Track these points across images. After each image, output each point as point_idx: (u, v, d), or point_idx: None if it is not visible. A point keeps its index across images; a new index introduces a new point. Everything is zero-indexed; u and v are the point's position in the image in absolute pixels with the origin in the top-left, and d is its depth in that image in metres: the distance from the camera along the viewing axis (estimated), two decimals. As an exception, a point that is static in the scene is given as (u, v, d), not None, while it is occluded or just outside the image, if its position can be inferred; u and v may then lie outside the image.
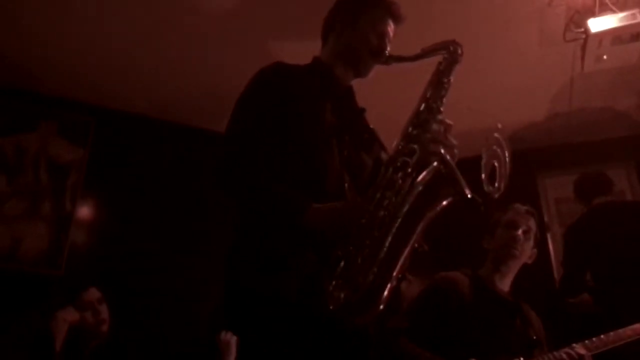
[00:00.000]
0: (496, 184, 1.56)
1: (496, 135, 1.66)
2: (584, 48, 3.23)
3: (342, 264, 1.38)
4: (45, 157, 3.94)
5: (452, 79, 1.63)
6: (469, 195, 1.40)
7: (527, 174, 4.82)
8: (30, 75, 3.90)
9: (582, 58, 3.30)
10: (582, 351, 2.30)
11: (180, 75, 3.86)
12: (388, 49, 1.76)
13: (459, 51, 1.66)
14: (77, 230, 3.91)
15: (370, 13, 1.79)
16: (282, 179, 1.51)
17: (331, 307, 1.34)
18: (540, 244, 4.54)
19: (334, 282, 1.37)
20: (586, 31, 3.12)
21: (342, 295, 1.35)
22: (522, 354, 2.28)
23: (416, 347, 2.30)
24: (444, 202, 1.44)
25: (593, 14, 3.15)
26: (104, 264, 3.71)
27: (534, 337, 2.37)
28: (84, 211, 4.00)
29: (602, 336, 2.37)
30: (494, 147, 1.62)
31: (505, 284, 2.51)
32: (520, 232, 2.48)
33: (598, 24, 3.09)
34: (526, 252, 2.52)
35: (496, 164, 1.59)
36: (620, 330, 2.39)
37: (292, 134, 1.58)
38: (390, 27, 1.79)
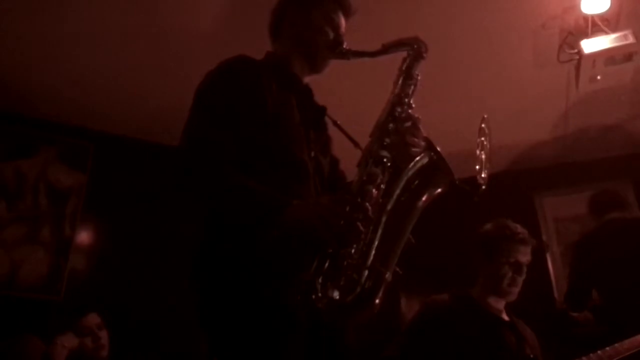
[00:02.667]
0: (483, 175, 1.56)
1: (482, 125, 1.65)
2: (578, 69, 3.28)
3: (328, 262, 1.29)
4: (44, 182, 3.95)
5: (418, 74, 1.62)
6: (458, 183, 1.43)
7: (525, 194, 4.85)
8: (30, 101, 3.92)
9: (577, 78, 3.35)
10: None
11: (181, 99, 3.88)
12: (345, 43, 1.72)
13: (423, 48, 1.63)
14: (76, 255, 3.90)
15: (322, 5, 1.74)
16: (256, 174, 1.41)
17: (321, 307, 1.25)
18: (539, 264, 4.59)
19: (321, 281, 1.28)
20: (579, 52, 3.17)
21: (336, 295, 1.27)
22: None
23: None
24: (435, 192, 1.45)
25: (586, 35, 3.20)
26: (104, 289, 3.69)
27: (531, 356, 2.34)
28: (84, 236, 4.00)
29: (599, 351, 2.38)
30: (482, 138, 1.62)
31: (499, 303, 2.47)
32: (524, 276, 2.44)
33: (591, 45, 3.13)
34: None
35: (483, 155, 1.59)
36: (618, 344, 2.40)
37: (264, 127, 1.50)
38: (342, 21, 1.76)
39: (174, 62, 3.56)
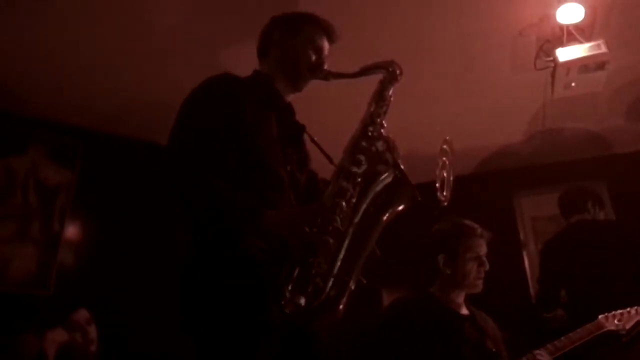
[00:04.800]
0: (444, 193, 1.66)
1: (444, 147, 1.75)
2: (553, 76, 3.39)
3: (298, 270, 1.40)
4: (34, 180, 4.00)
5: (392, 95, 1.73)
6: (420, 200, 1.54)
7: (504, 193, 4.99)
8: (18, 98, 3.95)
9: (552, 85, 3.46)
10: (546, 357, 2.43)
11: (171, 98, 3.93)
12: (326, 65, 1.84)
13: (398, 71, 1.76)
14: (65, 251, 3.95)
15: (309, 30, 1.86)
16: (234, 185, 1.50)
17: (288, 312, 1.36)
18: (516, 261, 4.74)
19: (290, 287, 1.38)
20: (555, 60, 3.28)
21: (303, 301, 1.37)
22: None
23: None
24: (399, 208, 1.57)
25: (561, 44, 3.31)
26: (93, 285, 3.76)
27: (493, 350, 2.47)
28: (72, 233, 4.05)
29: (556, 341, 2.51)
30: (443, 158, 1.72)
31: (460, 298, 2.59)
32: (487, 268, 2.56)
33: (566, 54, 3.24)
34: None
35: (445, 174, 1.69)
36: (572, 333, 2.53)
37: (243, 141, 1.60)
38: (326, 45, 1.88)
39: (164, 62, 3.61)
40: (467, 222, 2.62)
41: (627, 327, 2.51)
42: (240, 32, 3.19)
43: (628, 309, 2.56)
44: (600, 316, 2.56)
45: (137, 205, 4.09)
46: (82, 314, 3.19)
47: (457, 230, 2.60)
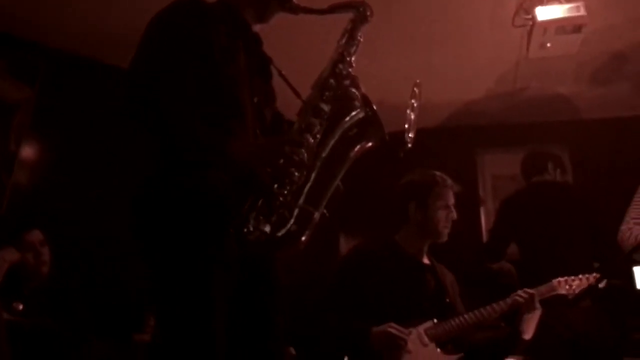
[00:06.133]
0: (410, 135, 1.68)
1: (415, 89, 1.75)
2: (530, 34, 3.39)
3: (262, 199, 1.40)
4: (-9, 95, 3.84)
5: (361, 36, 1.70)
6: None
7: (467, 149, 5.03)
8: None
9: (528, 43, 3.47)
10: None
11: (135, 22, 3.80)
12: None
13: (368, 12, 1.71)
14: (20, 171, 3.85)
15: None
16: (198, 113, 1.48)
17: (251, 239, 1.37)
18: (473, 218, 4.82)
19: (254, 216, 1.38)
20: (533, 18, 3.29)
21: (267, 229, 1.39)
22: (435, 316, 2.46)
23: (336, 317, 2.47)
24: (367, 145, 1.58)
25: (541, 2, 3.31)
26: (47, 207, 3.68)
27: (447, 300, 2.56)
28: (29, 152, 3.93)
29: (507, 298, 2.55)
30: (413, 100, 1.73)
31: (424, 247, 2.67)
32: (455, 217, 2.63)
33: (545, 13, 3.25)
34: None
35: (412, 116, 1.71)
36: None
37: (210, 68, 1.56)
38: None
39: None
40: (437, 172, 2.69)
41: (577, 292, 2.59)
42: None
43: (580, 276, 2.64)
44: (554, 280, 2.63)
45: (96, 129, 3.98)
46: (36, 235, 3.15)
47: (429, 180, 2.66)
